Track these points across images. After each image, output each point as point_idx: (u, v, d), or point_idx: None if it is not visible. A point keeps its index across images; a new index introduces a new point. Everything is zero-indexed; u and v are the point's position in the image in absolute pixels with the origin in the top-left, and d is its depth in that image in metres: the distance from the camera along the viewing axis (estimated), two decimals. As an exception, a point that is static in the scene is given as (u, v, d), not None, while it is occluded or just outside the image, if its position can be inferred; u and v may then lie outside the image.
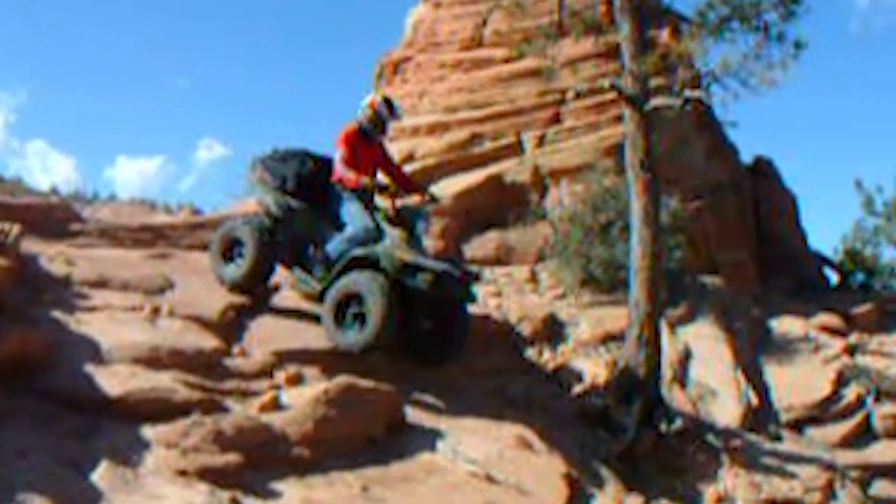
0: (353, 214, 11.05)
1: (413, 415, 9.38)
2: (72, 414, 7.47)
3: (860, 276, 21.68)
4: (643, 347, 12.34)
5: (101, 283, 11.01)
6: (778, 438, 14.11)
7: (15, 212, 13.12)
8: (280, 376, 9.62)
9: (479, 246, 18.03)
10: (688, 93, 13.45)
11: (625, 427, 11.89)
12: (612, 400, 12.36)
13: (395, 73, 22.66)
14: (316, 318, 11.16)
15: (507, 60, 20.38)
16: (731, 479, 12.38)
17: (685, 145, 19.08)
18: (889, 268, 21.73)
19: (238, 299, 11.44)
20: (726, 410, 14.13)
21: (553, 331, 15.15)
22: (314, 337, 11.01)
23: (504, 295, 16.41)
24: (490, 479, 8.22)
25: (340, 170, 11.07)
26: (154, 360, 8.84)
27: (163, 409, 7.80)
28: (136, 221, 18.06)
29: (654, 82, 13.82)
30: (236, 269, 11.52)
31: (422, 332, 10.68)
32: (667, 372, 13.62)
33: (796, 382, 15.53)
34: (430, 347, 10.73)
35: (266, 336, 10.76)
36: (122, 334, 9.29)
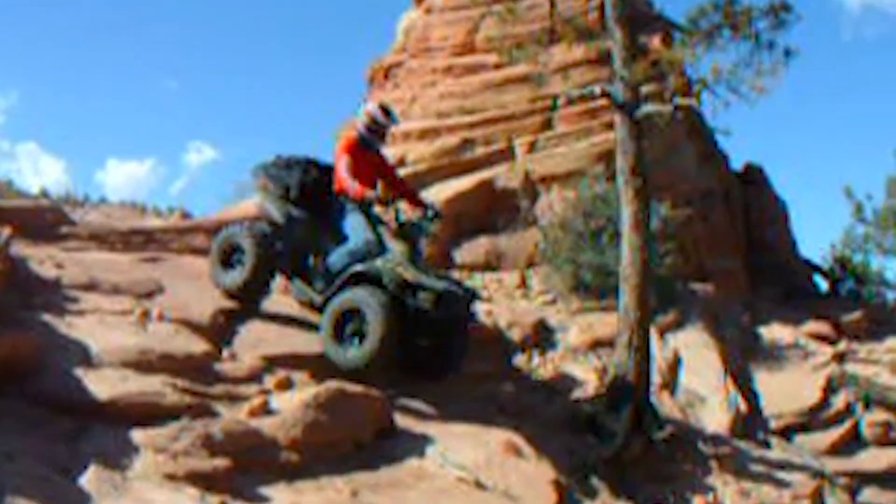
0: (355, 227, 11.05)
1: (402, 420, 9.39)
2: (61, 417, 7.47)
3: (850, 284, 21.72)
4: (633, 354, 12.35)
5: (91, 287, 11.00)
6: (767, 445, 14.13)
7: (5, 214, 13.11)
8: (269, 381, 9.62)
9: (470, 251, 18.03)
10: (678, 100, 13.50)
11: (614, 433, 11.89)
12: (601, 406, 12.37)
13: (387, 79, 22.66)
14: (306, 325, 11.18)
15: (498, 66, 20.38)
16: (719, 486, 12.39)
17: (676, 152, 19.12)
18: (878, 275, 21.77)
19: (228, 303, 11.43)
20: (715, 417, 14.14)
21: (543, 337, 15.14)
22: (304, 342, 11.02)
23: (494, 300, 16.41)
24: (479, 484, 8.23)
25: (344, 179, 11.03)
26: (143, 363, 8.83)
27: (152, 413, 7.80)
28: (127, 225, 18.05)
29: (646, 89, 13.85)
30: (236, 277, 11.47)
31: (420, 349, 10.67)
32: (656, 378, 13.63)
33: (785, 389, 15.56)
34: (429, 364, 10.73)
35: (256, 340, 10.77)
36: (111, 338, 9.29)
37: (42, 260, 11.60)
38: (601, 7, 14.60)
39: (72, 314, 9.87)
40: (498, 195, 18.76)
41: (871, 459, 14.55)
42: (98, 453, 6.99)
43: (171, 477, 6.90)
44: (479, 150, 19.65)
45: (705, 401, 14.47)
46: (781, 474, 13.13)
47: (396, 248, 10.68)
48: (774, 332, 17.75)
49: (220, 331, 10.77)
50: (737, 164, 22.26)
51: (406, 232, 10.78)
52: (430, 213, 11.48)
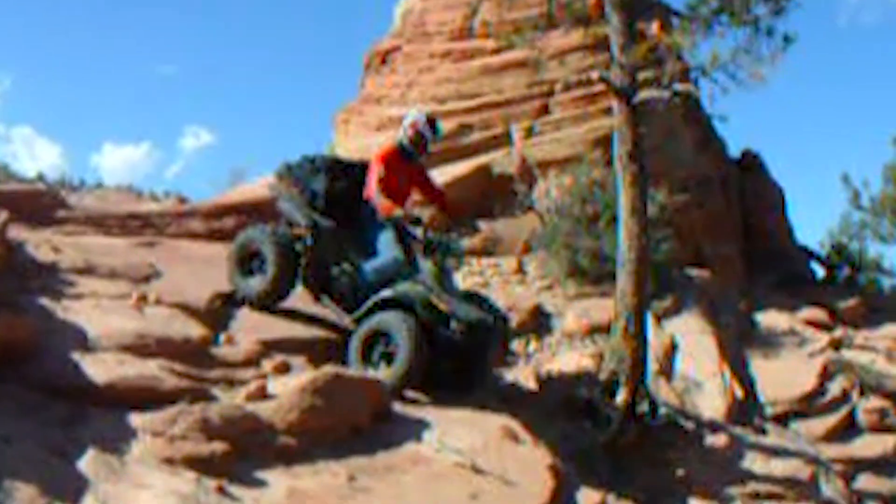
0: (384, 243, 10.86)
1: (399, 405, 9.39)
2: (58, 401, 7.46)
3: (846, 271, 21.74)
4: (629, 340, 12.34)
5: (88, 271, 11.01)
6: (763, 432, 14.13)
7: (1, 198, 13.13)
8: (267, 365, 9.62)
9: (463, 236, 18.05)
10: (676, 86, 13.51)
11: (610, 419, 11.90)
12: (597, 392, 12.37)
13: (384, 64, 22.62)
14: (304, 310, 11.16)
15: (495, 51, 20.36)
16: (715, 471, 12.41)
17: (673, 138, 19.09)
18: (875, 262, 21.80)
19: (225, 287, 11.42)
20: (711, 403, 14.15)
21: (539, 322, 15.15)
22: (301, 326, 11.04)
23: (490, 286, 16.41)
24: (475, 469, 8.22)
25: (374, 192, 10.84)
26: (141, 347, 8.83)
27: (149, 397, 7.80)
28: (124, 209, 18.06)
29: (643, 75, 13.80)
30: (256, 286, 11.26)
31: (447, 370, 10.52)
32: (652, 364, 13.61)
33: (781, 376, 15.57)
34: (455, 383, 10.58)
35: (253, 325, 10.78)
36: (108, 322, 9.29)
37: (39, 244, 11.60)
38: (599, -8, 14.54)
39: (69, 298, 9.87)
40: (495, 180, 18.75)
41: (867, 446, 14.56)
42: (96, 437, 6.99)
43: (169, 461, 6.90)
44: (476, 136, 19.64)
45: (701, 387, 14.47)
46: (777, 460, 13.14)
47: (426, 267, 10.55)
48: (771, 319, 17.77)
49: (218, 315, 10.78)
50: (734, 150, 22.27)
51: (435, 250, 10.64)
52: (467, 228, 11.39)
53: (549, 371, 13.40)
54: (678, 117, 19.22)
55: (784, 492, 12.60)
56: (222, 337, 10.15)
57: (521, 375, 13.01)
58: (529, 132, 19.45)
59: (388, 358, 9.99)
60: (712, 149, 20.83)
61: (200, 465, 6.96)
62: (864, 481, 13.79)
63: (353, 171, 11.50)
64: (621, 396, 12.06)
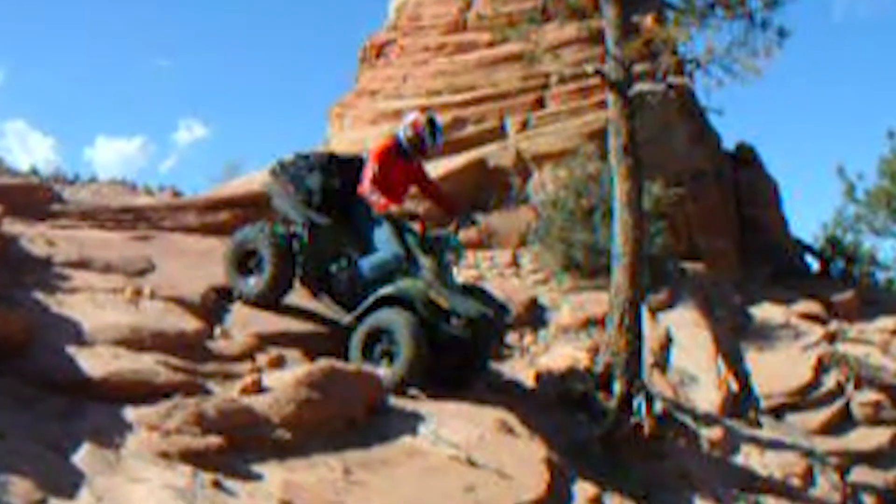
0: (382, 239, 10.80)
1: (394, 398, 9.38)
2: (53, 395, 7.45)
3: (841, 264, 21.79)
4: (624, 333, 12.34)
5: (83, 265, 10.98)
6: (758, 424, 14.18)
7: (-4, 192, 13.08)
8: (262, 359, 9.60)
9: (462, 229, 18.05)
10: (671, 79, 13.48)
11: (605, 412, 11.91)
12: (592, 385, 12.38)
13: (379, 56, 22.65)
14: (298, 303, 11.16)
15: (490, 44, 20.41)
16: (710, 464, 12.43)
17: (668, 131, 19.13)
18: (870, 255, 21.87)
19: (219, 281, 11.40)
20: (706, 396, 14.18)
21: (534, 315, 15.17)
22: (296, 320, 11.02)
23: (486, 279, 16.42)
24: (471, 462, 8.22)
25: (367, 189, 10.75)
26: (136, 341, 8.82)
27: (145, 391, 7.79)
28: (118, 203, 18.04)
29: (638, 68, 13.82)
30: (254, 285, 11.16)
31: (448, 365, 10.48)
32: (647, 357, 13.63)
33: (776, 369, 15.61)
34: (454, 375, 10.54)
35: (248, 318, 10.76)
36: (103, 316, 9.28)
37: (33, 238, 11.58)
38: (594, -15, 14.53)
39: (63, 292, 9.85)
40: (490, 174, 18.78)
41: (862, 439, 14.61)
42: (91, 431, 6.98)
43: (164, 454, 6.89)
44: (471, 129, 19.67)
45: (696, 380, 14.51)
46: (772, 453, 13.18)
47: (425, 262, 10.51)
48: (765, 312, 17.81)
49: (212, 308, 10.76)
50: (729, 143, 22.33)
51: (433, 245, 10.60)
52: (466, 222, 11.36)
53: (544, 364, 13.40)
54: (673, 111, 19.26)
55: (779, 484, 12.64)
56: (217, 331, 10.14)
57: (517, 368, 13.02)
58: (524, 125, 19.50)
59: (389, 355, 9.95)
60: (707, 142, 20.87)
61: (196, 458, 6.95)
62: (859, 474, 13.84)
63: (349, 168, 11.38)
64: (616, 389, 12.07)
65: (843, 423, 14.95)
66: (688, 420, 13.18)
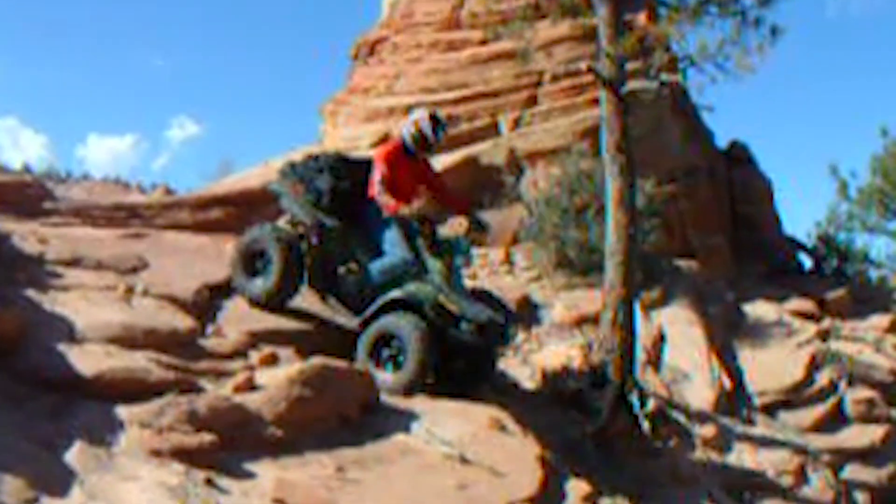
0: (392, 242, 10.66)
1: (387, 396, 9.37)
2: (45, 393, 7.44)
3: (834, 262, 21.81)
4: (617, 330, 12.34)
5: (75, 262, 10.96)
6: (751, 422, 14.19)
7: (-12, 190, 13.06)
8: (254, 357, 9.59)
9: (454, 227, 18.04)
10: (664, 76, 13.50)
11: (598, 410, 11.91)
12: (585, 382, 12.38)
13: (372, 54, 22.63)
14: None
15: (483, 42, 20.39)
16: (703, 462, 12.44)
17: (661, 129, 19.12)
18: (862, 253, 21.90)
19: (212, 278, 11.39)
20: (699, 394, 14.19)
21: (527, 313, 15.15)
22: (288, 318, 11.00)
23: (478, 276, 16.40)
24: (464, 460, 8.22)
25: (377, 191, 10.64)
26: (128, 339, 8.80)
27: (137, 389, 7.77)
28: (111, 200, 18.04)
29: (631, 65, 13.81)
30: (262, 286, 11.01)
31: (456, 370, 10.45)
32: (640, 355, 13.64)
33: (769, 366, 15.63)
34: (460, 379, 10.47)
35: (240, 316, 10.74)
36: (96, 314, 9.26)
37: (25, 235, 11.55)
38: (587, -17, 14.52)
39: (56, 290, 9.83)
40: (482, 171, 18.74)
41: (855, 436, 14.64)
42: (83, 429, 6.98)
43: (157, 452, 6.89)
44: (464, 126, 19.63)
45: (689, 377, 14.51)
46: (765, 451, 13.20)
47: (434, 266, 10.38)
48: (758, 310, 17.82)
49: (205, 307, 10.74)
50: (722, 141, 22.33)
51: (442, 249, 10.48)
52: (476, 225, 11.31)
53: (537, 362, 13.40)
54: (666, 108, 19.25)
55: (772, 482, 12.66)
56: (210, 328, 10.12)
57: (510, 366, 13.01)
58: (517, 123, 19.48)
59: (397, 360, 9.89)
60: (700, 139, 20.87)
61: (188, 456, 6.95)
62: (852, 471, 13.87)
63: (359, 169, 11.26)
64: (610, 387, 12.07)
65: (836, 420, 14.97)
66: (681, 418, 13.19)
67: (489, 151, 19.04)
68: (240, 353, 9.65)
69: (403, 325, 9.86)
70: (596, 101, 16.09)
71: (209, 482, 6.74)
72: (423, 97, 20.16)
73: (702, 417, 13.47)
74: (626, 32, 12.97)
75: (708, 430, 13.08)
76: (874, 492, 13.76)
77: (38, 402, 7.30)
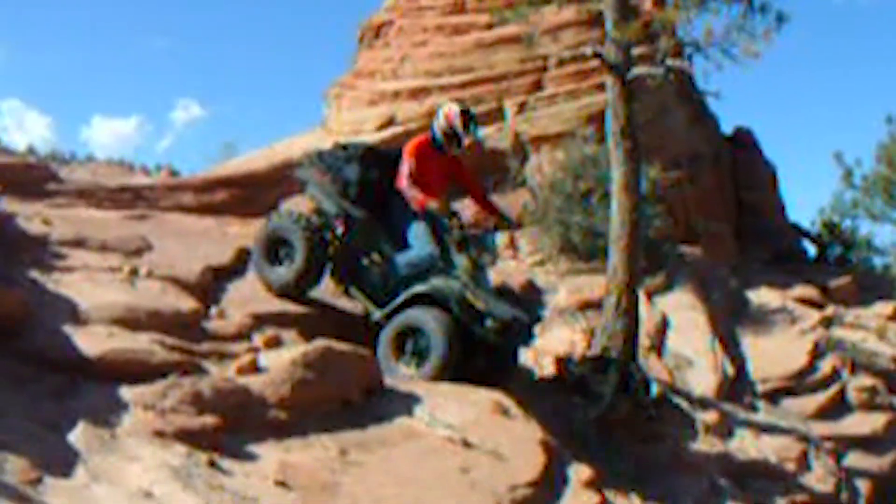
0: (418, 236, 10.59)
1: (390, 379, 9.37)
2: (49, 374, 7.44)
3: (838, 249, 21.80)
4: (621, 316, 12.35)
5: (79, 244, 10.98)
6: (753, 409, 14.18)
7: (-7, 170, 13.07)
8: (258, 339, 9.62)
9: (459, 211, 18.02)
10: (670, 62, 13.45)
11: (601, 395, 11.91)
12: (588, 368, 12.38)
13: (377, 37, 22.57)
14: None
15: (489, 26, 20.32)
16: (706, 448, 12.44)
17: (666, 114, 19.12)
18: (867, 241, 21.88)
19: (216, 260, 11.39)
20: (702, 380, 14.18)
21: (531, 297, 15.14)
22: (292, 301, 10.99)
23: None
24: (467, 444, 8.22)
25: (405, 184, 10.52)
26: (132, 320, 8.81)
27: (141, 371, 7.78)
28: (115, 182, 18.03)
29: (637, 51, 13.79)
30: (284, 274, 10.95)
31: (478, 367, 10.28)
32: (644, 341, 13.64)
33: (773, 353, 15.61)
34: (481, 377, 10.22)
35: (244, 298, 10.76)
36: (100, 295, 9.28)
37: (30, 216, 11.58)
38: (593, -32, 14.48)
39: (60, 271, 9.85)
40: (487, 156, 18.71)
41: (857, 424, 14.62)
42: (87, 410, 6.98)
43: (160, 434, 6.89)
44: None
45: (692, 363, 14.51)
46: (767, 437, 13.20)
47: (461, 262, 10.29)
48: (762, 296, 17.81)
49: (209, 288, 10.76)
50: (727, 127, 22.29)
51: (469, 245, 10.39)
52: (504, 222, 11.24)
53: (540, 347, 13.39)
54: (671, 94, 19.22)
55: (774, 469, 12.66)
56: (213, 310, 10.13)
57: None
58: (522, 107, 19.44)
59: (420, 354, 9.85)
60: (705, 125, 20.85)
61: (191, 438, 6.95)
62: (854, 459, 13.86)
63: (387, 161, 11.13)
64: (613, 372, 12.07)
65: (838, 408, 14.96)
66: (683, 403, 13.18)
67: (494, 136, 19.02)
68: (243, 335, 9.67)
69: (428, 319, 9.81)
70: (601, 87, 16.07)
71: (212, 464, 6.75)
72: (428, 81, 20.16)
73: (704, 403, 13.46)
74: (631, 18, 12.94)
75: (710, 417, 13.08)
76: (875, 479, 13.75)
77: (42, 382, 7.31)
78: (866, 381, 15.38)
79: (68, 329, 8.18)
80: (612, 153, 12.71)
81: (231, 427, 7.30)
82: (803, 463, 12.96)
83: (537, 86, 19.79)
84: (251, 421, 7.56)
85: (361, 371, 8.84)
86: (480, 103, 19.43)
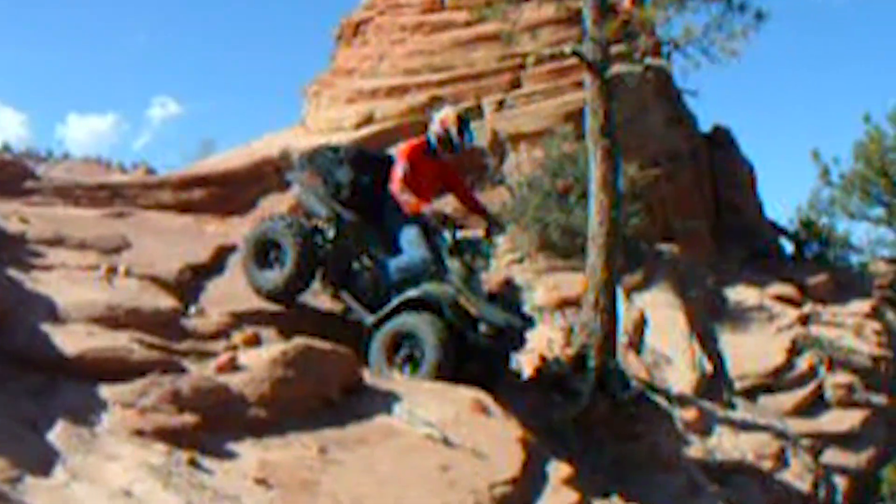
0: (410, 241, 10.51)
1: (370, 377, 9.37)
2: (28, 373, 7.41)
3: (815, 247, 21.87)
4: (599, 313, 12.37)
5: (57, 242, 10.93)
6: (731, 406, 14.26)
7: (-32, 169, 13.01)
8: (237, 337, 9.58)
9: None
10: (649, 60, 13.51)
11: (580, 393, 11.93)
12: (567, 366, 12.40)
13: (356, 35, 22.56)
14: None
15: (468, 24, 20.30)
16: (683, 445, 12.48)
17: (644, 113, 19.15)
18: (844, 239, 21.97)
19: (195, 259, 11.36)
20: (681, 377, 14.25)
21: (509, 295, 15.14)
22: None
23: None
24: (446, 442, 8.22)
25: (398, 188, 10.49)
26: (111, 319, 8.78)
27: (120, 369, 7.74)
28: (93, 180, 17.97)
29: (615, 49, 13.82)
30: (274, 278, 10.80)
31: (471, 372, 10.12)
32: (622, 338, 13.68)
33: (750, 351, 15.69)
34: (473, 382, 10.31)
35: (223, 297, 10.73)
36: (78, 293, 9.23)
37: (7, 215, 11.52)
38: (572, -34, 14.52)
39: (38, 269, 9.81)
40: (466, 153, 18.70)
41: (834, 421, 14.72)
42: (66, 409, 6.95)
43: (140, 433, 6.87)
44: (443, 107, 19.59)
45: (671, 361, 14.58)
46: (745, 434, 13.27)
47: (454, 267, 10.23)
48: (740, 294, 17.88)
49: (187, 287, 10.73)
50: (705, 126, 22.34)
51: (462, 250, 10.34)
52: (493, 229, 11.18)
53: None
54: (650, 92, 19.27)
55: (752, 465, 12.71)
56: (192, 309, 10.11)
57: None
58: (501, 105, 19.45)
59: (413, 360, 9.81)
60: (683, 124, 20.89)
61: (171, 436, 6.94)
62: (831, 455, 13.95)
63: (378, 164, 11.09)
64: (591, 370, 12.09)
65: (815, 404, 15.06)
66: (661, 401, 13.24)
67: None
68: (222, 333, 9.63)
69: (422, 325, 9.76)
70: (580, 85, 16.08)
71: (192, 462, 6.73)
72: (406, 79, 20.16)
73: (682, 401, 13.52)
74: (610, 16, 12.98)
75: (689, 414, 13.14)
76: (853, 476, 13.85)
77: (20, 381, 7.28)
78: (843, 378, 15.48)
79: (47, 328, 8.14)
80: (591, 151, 12.74)
81: (211, 425, 7.29)
82: (781, 459, 13.04)
83: (515, 84, 19.81)
84: (231, 419, 7.55)
85: (341, 369, 8.84)
86: (459, 101, 19.41)
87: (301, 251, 10.67)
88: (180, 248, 11.67)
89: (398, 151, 10.94)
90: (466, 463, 7.96)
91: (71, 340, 7.98)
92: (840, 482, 13.68)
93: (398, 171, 10.58)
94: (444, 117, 11.02)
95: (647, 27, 13.88)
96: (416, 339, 9.76)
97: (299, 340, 8.69)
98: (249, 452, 7.20)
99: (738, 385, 14.86)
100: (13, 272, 9.39)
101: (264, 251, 10.96)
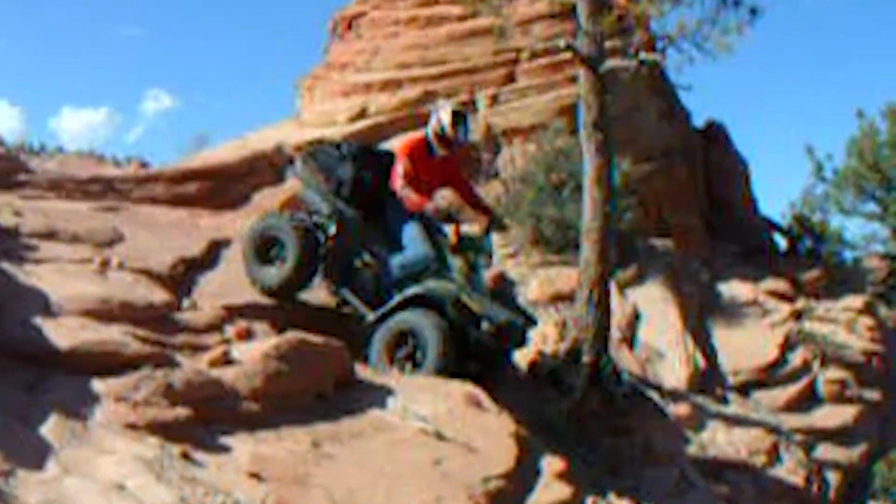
0: (412, 238, 10.46)
1: (363, 371, 9.36)
2: (20, 367, 7.40)
3: (808, 243, 21.87)
4: (592, 308, 12.36)
5: (50, 235, 10.92)
6: (724, 401, 14.26)
7: (-38, 161, 12.98)
8: (230, 331, 9.58)
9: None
10: (643, 55, 13.49)
11: (573, 387, 11.93)
12: (561, 360, 12.41)
13: (349, 29, 22.52)
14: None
15: (462, 18, 20.30)
16: (677, 440, 12.49)
17: (638, 108, 19.13)
18: (837, 234, 21.96)
19: (188, 252, 11.35)
20: (674, 372, 14.24)
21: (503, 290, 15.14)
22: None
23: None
24: (439, 436, 8.22)
25: (400, 186, 10.49)
26: (104, 312, 8.77)
27: (112, 363, 7.74)
28: (86, 173, 17.94)
29: (610, 44, 13.79)
30: (275, 275, 10.80)
31: (472, 370, 10.12)
32: (615, 333, 13.67)
33: (744, 346, 15.69)
34: (474, 380, 10.30)
35: (216, 290, 10.73)
36: (71, 287, 9.22)
37: (0, 208, 11.50)
38: (566, -40, 14.51)
39: (31, 263, 9.80)
40: (461, 149, 18.71)
41: (827, 416, 14.74)
42: (59, 403, 6.95)
43: (132, 426, 6.87)
44: (442, 103, 19.58)
45: (664, 356, 14.56)
46: (738, 430, 13.27)
47: (456, 265, 10.23)
48: (733, 289, 17.87)
49: (180, 280, 10.72)
50: (699, 121, 22.33)
51: (465, 247, 10.36)
52: (493, 224, 11.14)
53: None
54: (644, 87, 19.24)
55: (745, 460, 12.72)
56: (185, 302, 10.09)
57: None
58: (495, 100, 19.43)
59: (414, 358, 9.79)
60: (677, 119, 20.87)
61: (164, 430, 6.93)
62: (824, 451, 13.97)
63: (380, 161, 11.10)
64: (584, 365, 12.09)
65: (808, 400, 15.07)
66: (655, 396, 13.24)
67: (466, 128, 18.99)
68: (215, 327, 9.63)
69: (423, 322, 9.74)
70: (574, 79, 16.10)
71: (185, 456, 6.73)
72: (400, 73, 20.14)
73: (675, 396, 13.52)
74: (604, 10, 12.94)
75: (682, 409, 13.14)
76: (846, 471, 13.87)
77: (13, 375, 7.27)
78: (837, 373, 15.50)
79: (40, 321, 8.13)
80: (585, 146, 12.72)
81: (204, 419, 7.29)
82: (774, 455, 13.04)
83: (510, 78, 19.78)
84: (224, 413, 7.54)
85: (334, 364, 8.83)
86: (453, 95, 19.41)
87: (303, 247, 10.66)
88: (173, 242, 11.66)
89: (399, 148, 10.91)
90: (459, 457, 7.96)
91: (64, 334, 7.97)
92: (833, 477, 13.70)
93: (400, 168, 10.58)
94: (440, 116, 10.93)
95: (641, 22, 13.86)
96: (418, 336, 9.74)
97: (292, 334, 8.70)
98: (242, 446, 7.20)
99: (731, 380, 14.86)
100: (6, 265, 9.38)
101: (265, 247, 10.95)
